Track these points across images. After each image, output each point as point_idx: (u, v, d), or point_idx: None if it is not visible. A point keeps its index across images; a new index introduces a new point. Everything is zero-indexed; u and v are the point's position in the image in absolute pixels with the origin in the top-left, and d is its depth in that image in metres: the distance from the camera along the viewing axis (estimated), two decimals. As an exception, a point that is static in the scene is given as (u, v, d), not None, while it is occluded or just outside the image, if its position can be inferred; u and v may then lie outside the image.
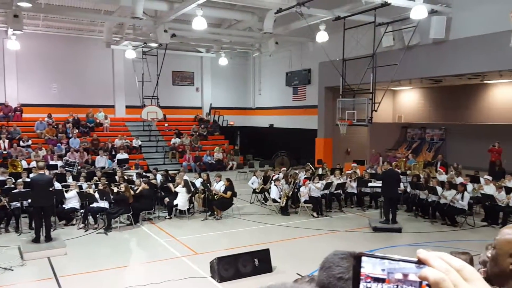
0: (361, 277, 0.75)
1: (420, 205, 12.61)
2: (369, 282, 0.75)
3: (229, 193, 12.29)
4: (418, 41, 15.61)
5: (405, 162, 17.75)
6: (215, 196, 12.40)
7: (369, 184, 13.34)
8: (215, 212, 12.29)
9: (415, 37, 15.51)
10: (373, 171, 15.14)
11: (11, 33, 17.79)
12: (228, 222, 11.97)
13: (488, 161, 16.15)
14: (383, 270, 0.75)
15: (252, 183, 14.36)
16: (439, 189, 11.93)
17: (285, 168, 15.78)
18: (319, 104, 21.11)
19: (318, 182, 13.03)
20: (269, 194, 13.53)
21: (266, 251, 8.06)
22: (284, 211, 12.78)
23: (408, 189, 13.11)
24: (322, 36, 16.67)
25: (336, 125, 17.07)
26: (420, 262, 0.74)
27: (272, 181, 13.57)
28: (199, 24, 15.00)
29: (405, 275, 0.73)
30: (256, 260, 7.80)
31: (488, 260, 1.67)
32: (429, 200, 12.19)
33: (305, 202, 12.82)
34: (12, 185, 11.78)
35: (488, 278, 1.64)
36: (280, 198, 12.91)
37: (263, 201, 14.26)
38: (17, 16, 14.88)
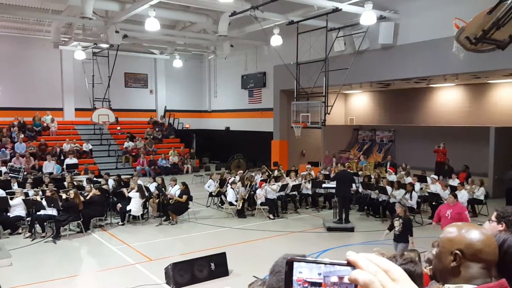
0: (298, 283, 0.76)
1: (371, 204, 13.03)
2: (307, 287, 0.76)
3: (184, 197, 12.12)
4: (367, 46, 16.16)
5: (357, 163, 18.30)
6: (171, 201, 12.19)
7: (323, 185, 13.62)
8: (170, 217, 12.09)
9: (365, 42, 16.04)
10: (327, 172, 15.49)
11: None
12: (183, 227, 11.80)
13: (434, 161, 16.97)
14: (319, 274, 0.76)
15: (209, 187, 14.26)
16: (389, 188, 12.39)
17: (241, 171, 15.80)
18: (275, 106, 21.34)
19: (274, 184, 13.14)
20: (225, 197, 13.48)
21: (223, 255, 8.02)
22: (240, 213, 12.78)
23: (360, 189, 13.52)
24: (276, 40, 16.88)
25: (291, 128, 17.31)
26: (351, 264, 0.75)
27: (228, 184, 13.53)
28: (152, 25, 14.74)
29: (341, 278, 0.75)
30: (212, 264, 7.74)
31: (433, 257, 1.74)
32: (380, 199, 12.64)
33: (262, 204, 12.89)
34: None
35: (433, 275, 1.72)
36: (236, 201, 12.90)
37: (220, 204, 14.18)
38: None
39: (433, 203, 12.19)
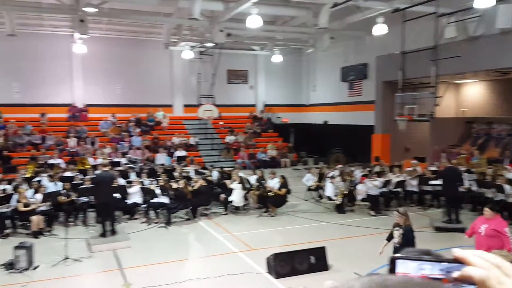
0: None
1: (486, 204, 11.86)
2: None
3: (283, 190, 12.30)
4: (483, 31, 14.69)
5: (468, 159, 16.79)
6: (270, 193, 12.45)
7: (430, 182, 12.77)
8: (269, 209, 12.36)
9: (479, 27, 14.60)
10: (435, 169, 14.48)
11: (78, 37, 18.90)
12: (282, 219, 11.98)
13: None
14: (440, 270, 0.74)
15: (307, 181, 14.27)
16: (506, 187, 11.18)
17: (340, 165, 15.52)
18: (376, 99, 20.50)
19: (375, 180, 12.69)
20: (324, 191, 13.37)
21: (322, 249, 7.99)
22: (340, 209, 12.58)
23: (474, 188, 12.41)
24: (379, 29, 16.14)
25: (394, 121, 16.50)
26: (456, 261, 0.73)
27: (327, 179, 13.40)
28: (254, 22, 15.08)
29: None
30: (312, 257, 7.75)
31: None
32: (496, 199, 11.46)
33: (363, 200, 12.54)
34: (80, 181, 12.58)
35: None
36: (335, 196, 12.72)
37: (318, 198, 14.13)
38: (83, 21, 15.77)
39: None
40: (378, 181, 12.61)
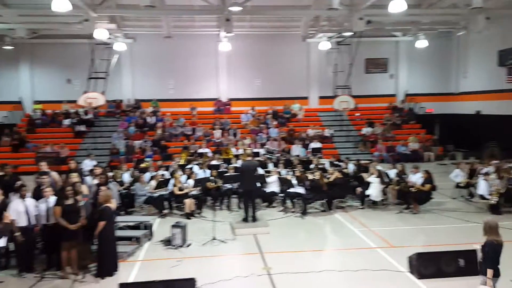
0: None
1: None
2: None
3: (427, 186, 11.48)
4: None
5: None
6: (411, 189, 11.73)
7: None
8: (411, 206, 11.65)
9: None
10: None
11: (223, 35, 20.34)
12: (426, 217, 11.19)
13: None
14: None
15: (455, 177, 13.05)
16: None
17: (496, 161, 13.78)
18: (544, 85, 17.59)
19: (542, 178, 10.96)
20: (475, 189, 12.05)
21: (473, 252, 7.23)
22: (495, 209, 11.20)
23: None
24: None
25: None
26: None
27: (480, 175, 12.05)
28: (398, 6, 14.16)
29: None
30: (461, 260, 7.09)
31: None
32: None
33: (524, 201, 10.96)
34: (225, 169, 13.60)
35: None
36: (490, 194, 11.37)
37: (468, 197, 12.81)
38: (229, 20, 16.90)
39: None
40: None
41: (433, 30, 22.70)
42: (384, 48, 25.28)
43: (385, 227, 10.32)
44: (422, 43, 22.92)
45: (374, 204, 12.17)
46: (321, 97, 25.04)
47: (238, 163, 13.88)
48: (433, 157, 20.80)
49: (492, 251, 5.36)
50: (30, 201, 7.76)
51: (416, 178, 11.92)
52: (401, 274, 7.31)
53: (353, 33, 19.45)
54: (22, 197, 7.71)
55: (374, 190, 11.92)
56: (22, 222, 7.47)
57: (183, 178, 12.39)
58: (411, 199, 11.62)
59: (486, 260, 5.34)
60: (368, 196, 12.02)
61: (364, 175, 12.66)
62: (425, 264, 7.02)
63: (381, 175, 12.15)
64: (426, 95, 25.33)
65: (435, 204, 11.90)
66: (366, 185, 12.15)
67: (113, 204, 7.56)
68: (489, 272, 5.28)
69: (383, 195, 12.19)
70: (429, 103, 25.07)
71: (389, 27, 21.99)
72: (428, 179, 11.55)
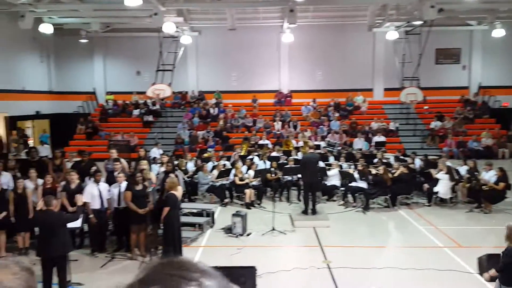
0: None
1: None
2: None
3: (501, 184, 10.75)
4: None
5: None
6: (483, 187, 11.02)
7: None
8: (482, 205, 10.96)
9: None
10: None
11: (286, 27, 20.22)
12: (499, 217, 10.47)
13: None
14: None
15: (534, 176, 12.06)
16: None
17: None
18: None
19: None
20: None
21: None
22: None
23: None
24: None
25: None
26: None
27: None
28: (472, -7, 13.30)
29: None
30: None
31: None
32: None
33: None
34: (285, 161, 13.60)
35: None
36: None
37: (549, 198, 11.81)
38: (293, 11, 16.77)
39: None
40: None
41: (511, 18, 20.98)
42: (456, 38, 23.80)
43: (454, 226, 9.82)
44: (498, 32, 21.23)
45: (442, 202, 11.60)
46: (386, 89, 24.14)
47: (298, 155, 13.84)
48: (508, 154, 19.37)
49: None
50: (103, 186, 8.30)
51: (489, 176, 11.20)
52: (470, 275, 6.94)
53: (423, 22, 18.49)
54: (97, 181, 8.26)
55: (443, 187, 11.36)
56: (96, 205, 8.02)
57: (244, 168, 12.58)
58: (482, 198, 10.95)
59: (506, 269, 4.85)
60: (436, 193, 11.48)
61: (432, 171, 12.09)
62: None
63: (450, 171, 11.53)
64: (501, 87, 23.51)
65: (509, 204, 11.12)
66: (434, 181, 11.59)
67: (178, 192, 7.85)
68: (492, 270, 5.06)
69: (452, 193, 11.58)
70: (505, 96, 23.27)
71: (463, 15, 20.64)
72: (502, 177, 10.81)
